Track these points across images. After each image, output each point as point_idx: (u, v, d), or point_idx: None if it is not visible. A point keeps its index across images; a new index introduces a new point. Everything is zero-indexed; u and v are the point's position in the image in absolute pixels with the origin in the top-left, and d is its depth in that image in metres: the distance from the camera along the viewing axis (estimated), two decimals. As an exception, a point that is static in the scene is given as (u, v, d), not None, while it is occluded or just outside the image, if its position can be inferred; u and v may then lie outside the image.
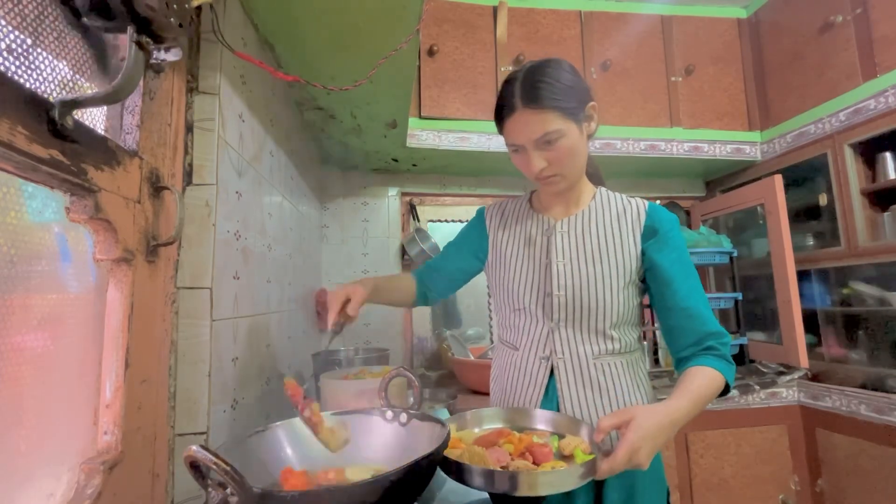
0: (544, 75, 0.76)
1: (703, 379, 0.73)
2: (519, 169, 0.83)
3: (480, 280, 1.06)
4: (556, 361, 0.83)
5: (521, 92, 0.76)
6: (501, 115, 0.80)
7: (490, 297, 2.17)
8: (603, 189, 0.91)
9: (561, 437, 0.71)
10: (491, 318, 2.19)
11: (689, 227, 2.32)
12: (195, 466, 0.46)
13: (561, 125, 0.75)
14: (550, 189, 0.83)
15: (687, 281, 0.80)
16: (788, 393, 1.68)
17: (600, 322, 0.82)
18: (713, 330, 0.78)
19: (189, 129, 0.79)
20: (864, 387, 1.52)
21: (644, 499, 0.79)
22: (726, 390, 0.77)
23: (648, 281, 0.84)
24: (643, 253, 0.83)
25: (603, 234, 0.84)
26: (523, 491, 0.56)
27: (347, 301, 0.82)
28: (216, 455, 0.44)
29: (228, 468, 0.44)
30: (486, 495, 0.74)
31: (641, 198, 0.88)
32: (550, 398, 0.84)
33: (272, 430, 0.69)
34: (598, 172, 0.97)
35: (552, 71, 0.76)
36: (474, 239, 0.98)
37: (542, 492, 0.57)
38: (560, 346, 0.83)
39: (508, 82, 0.79)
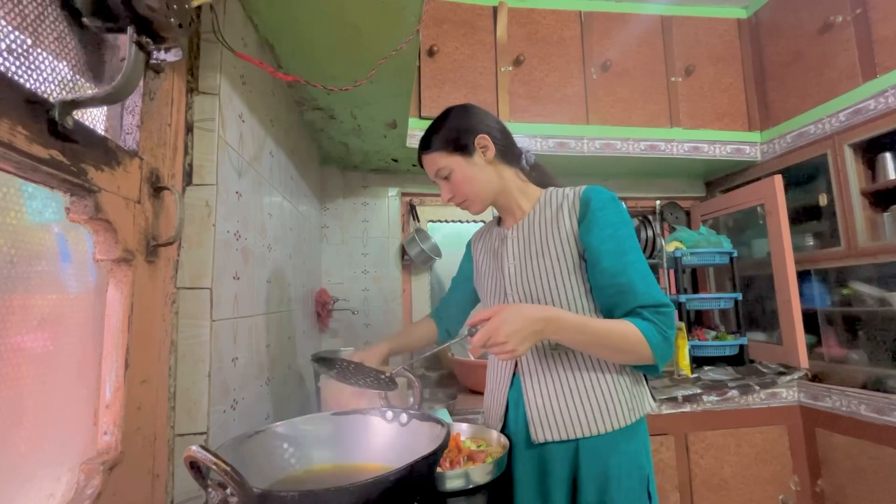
0: (435, 126, 0.92)
1: (615, 324, 0.75)
2: None
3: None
4: (520, 357, 0.87)
5: (421, 141, 0.94)
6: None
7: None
8: (550, 189, 0.93)
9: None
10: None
11: (689, 227, 2.32)
12: (195, 466, 0.46)
13: (447, 162, 0.89)
14: (469, 212, 0.95)
15: (619, 257, 0.78)
16: (788, 393, 1.68)
17: None
18: (646, 302, 0.76)
19: (189, 129, 0.79)
20: (864, 387, 1.52)
21: (619, 484, 0.79)
22: (654, 369, 0.77)
23: (587, 265, 0.83)
24: (580, 237, 0.83)
25: (545, 230, 0.87)
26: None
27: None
28: (216, 455, 0.44)
29: (228, 468, 0.44)
30: (485, 496, 0.76)
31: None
32: (519, 393, 0.87)
33: (272, 430, 0.70)
34: (544, 175, 1.00)
35: (440, 121, 0.92)
36: (467, 267, 1.12)
37: None
38: None
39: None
